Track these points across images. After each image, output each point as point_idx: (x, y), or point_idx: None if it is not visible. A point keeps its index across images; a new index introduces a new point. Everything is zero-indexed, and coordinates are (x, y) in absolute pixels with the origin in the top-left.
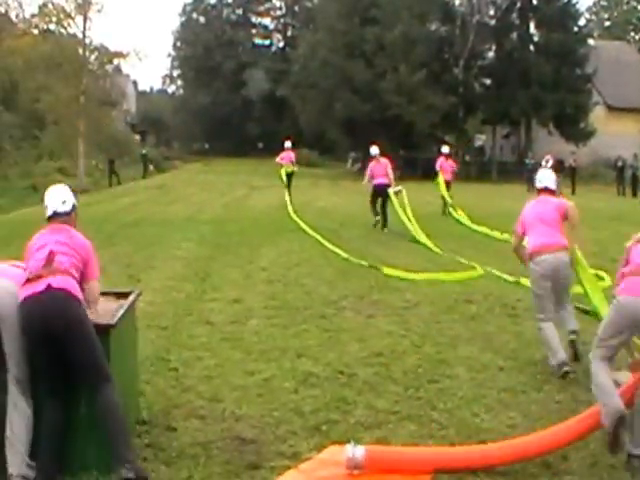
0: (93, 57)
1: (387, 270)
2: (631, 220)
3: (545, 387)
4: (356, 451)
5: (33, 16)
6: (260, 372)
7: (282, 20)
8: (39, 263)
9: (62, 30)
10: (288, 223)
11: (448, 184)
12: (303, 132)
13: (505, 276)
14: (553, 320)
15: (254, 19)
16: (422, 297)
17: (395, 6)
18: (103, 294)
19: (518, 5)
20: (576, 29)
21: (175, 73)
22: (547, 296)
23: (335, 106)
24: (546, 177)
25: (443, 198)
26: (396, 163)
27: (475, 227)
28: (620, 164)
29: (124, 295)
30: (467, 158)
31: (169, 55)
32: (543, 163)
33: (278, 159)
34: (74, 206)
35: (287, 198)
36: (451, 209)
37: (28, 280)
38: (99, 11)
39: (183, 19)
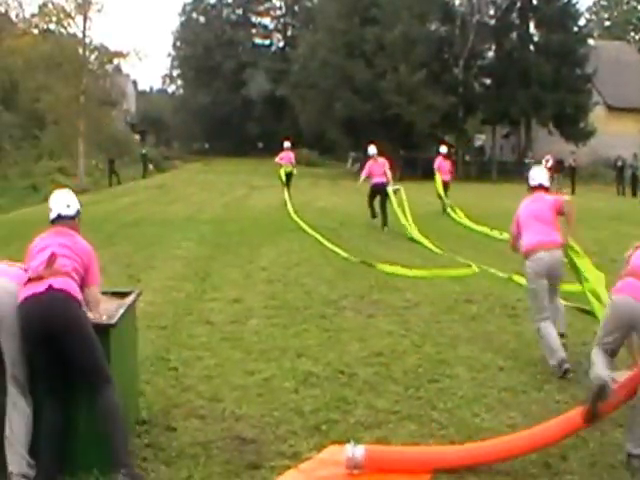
0: (93, 57)
1: (381, 266)
2: (631, 220)
3: (545, 387)
4: (356, 451)
5: (33, 16)
6: (260, 372)
7: (282, 20)
8: (40, 264)
9: (62, 30)
10: (288, 223)
11: (446, 184)
12: (303, 132)
13: (494, 271)
14: (551, 319)
15: (254, 19)
16: (422, 297)
17: (395, 6)
18: (103, 293)
19: (518, 5)
20: (576, 29)
21: (175, 73)
22: (544, 293)
23: (335, 106)
24: (539, 174)
25: (440, 198)
26: (396, 163)
27: (474, 227)
28: (620, 164)
29: (124, 295)
30: (467, 158)
31: (169, 55)
32: (543, 163)
33: (277, 159)
34: (78, 211)
35: (286, 198)
36: (449, 210)
37: (29, 280)
38: (99, 11)
39: (183, 19)
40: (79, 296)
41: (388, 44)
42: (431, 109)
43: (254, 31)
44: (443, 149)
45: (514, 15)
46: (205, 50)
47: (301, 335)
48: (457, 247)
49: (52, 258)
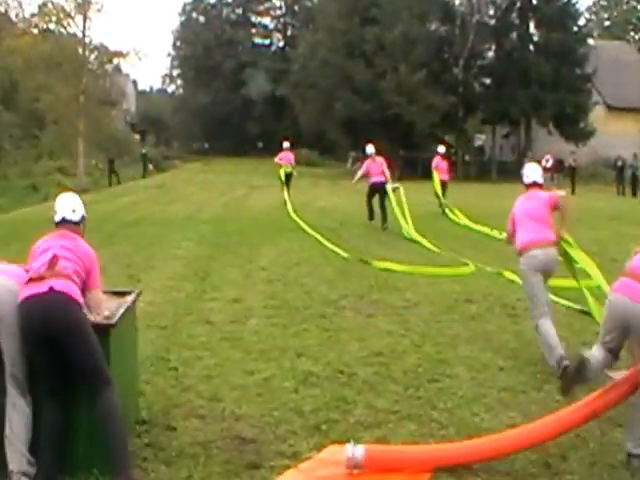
0: (93, 57)
1: (377, 263)
2: (631, 220)
3: (545, 387)
4: (356, 450)
5: (33, 15)
6: (260, 371)
7: (282, 20)
8: (42, 266)
9: (62, 30)
10: (288, 223)
11: (444, 184)
12: (303, 132)
13: (490, 269)
14: (549, 315)
15: (254, 19)
16: (422, 297)
17: (395, 6)
18: (103, 293)
19: (518, 5)
20: (576, 29)
21: (175, 73)
22: (541, 288)
23: (335, 106)
24: (533, 171)
25: (438, 197)
26: (397, 163)
27: (473, 226)
28: (620, 164)
29: (124, 295)
30: (467, 158)
31: (169, 55)
32: (543, 163)
33: (277, 159)
34: (83, 217)
35: (285, 197)
36: (446, 210)
37: (30, 280)
38: (99, 10)
39: (183, 18)
40: (80, 298)
41: (388, 44)
42: (431, 109)
43: (254, 31)
44: (441, 149)
45: (514, 15)
46: (205, 50)
47: (301, 335)
48: (457, 247)
49: (54, 260)
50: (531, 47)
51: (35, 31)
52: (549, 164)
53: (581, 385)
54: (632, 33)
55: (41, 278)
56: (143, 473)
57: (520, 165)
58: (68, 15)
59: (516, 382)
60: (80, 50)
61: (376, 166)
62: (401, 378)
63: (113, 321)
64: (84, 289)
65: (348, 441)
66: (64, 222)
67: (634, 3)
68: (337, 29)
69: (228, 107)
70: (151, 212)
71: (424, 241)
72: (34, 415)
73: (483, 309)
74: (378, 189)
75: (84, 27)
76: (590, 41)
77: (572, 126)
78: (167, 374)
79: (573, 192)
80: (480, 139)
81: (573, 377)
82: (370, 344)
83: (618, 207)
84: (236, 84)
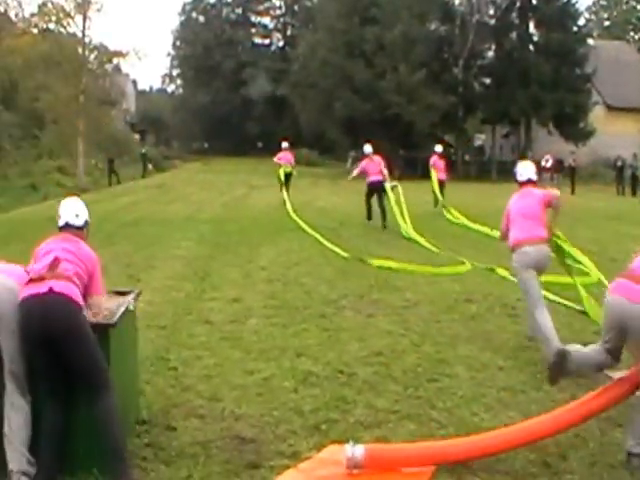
0: (93, 56)
1: (375, 262)
2: (630, 220)
3: (545, 386)
4: (356, 450)
5: (32, 15)
6: (259, 371)
7: (282, 19)
8: (43, 267)
9: (62, 29)
10: (288, 222)
11: (442, 183)
12: (303, 132)
13: (484, 266)
14: (544, 306)
15: (254, 18)
16: (422, 296)
17: (395, 6)
18: None
19: (518, 5)
20: (576, 29)
21: (175, 72)
22: (535, 282)
23: (335, 106)
24: (527, 169)
25: (435, 196)
26: (396, 163)
27: (472, 225)
28: (619, 164)
29: (124, 294)
30: (467, 158)
31: (169, 54)
32: (543, 162)
33: (276, 159)
34: (86, 222)
35: (285, 197)
36: (443, 209)
37: (30, 280)
38: (98, 10)
39: (183, 18)
40: (80, 300)
41: (388, 44)
42: (431, 109)
43: (254, 31)
44: (438, 148)
45: (514, 15)
46: (205, 50)
47: (300, 334)
48: (456, 246)
49: (55, 262)
50: (531, 47)
51: (35, 31)
52: (549, 164)
53: (566, 377)
54: (632, 33)
55: (41, 279)
56: (143, 473)
57: None
58: (68, 15)
59: (516, 382)
60: (80, 50)
61: (374, 165)
62: (401, 378)
63: (113, 321)
64: (86, 293)
65: (348, 441)
66: (67, 227)
67: (634, 3)
68: (337, 29)
69: (228, 107)
70: (151, 212)
71: (423, 240)
72: (34, 415)
73: (483, 309)
74: (376, 188)
75: (84, 27)
76: (590, 41)
77: (572, 126)
78: (167, 374)
79: (573, 192)
80: (480, 139)
81: (554, 369)
82: (370, 344)
83: (618, 207)
84: (236, 84)
